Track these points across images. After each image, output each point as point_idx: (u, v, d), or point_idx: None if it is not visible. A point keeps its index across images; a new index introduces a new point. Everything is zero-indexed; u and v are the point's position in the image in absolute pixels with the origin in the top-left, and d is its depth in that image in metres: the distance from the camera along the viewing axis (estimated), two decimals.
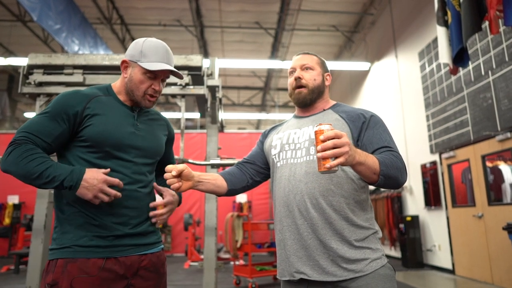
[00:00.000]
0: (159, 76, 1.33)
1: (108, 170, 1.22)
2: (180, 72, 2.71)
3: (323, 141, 1.03)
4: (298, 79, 1.41)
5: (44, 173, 1.13)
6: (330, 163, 1.02)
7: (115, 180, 1.20)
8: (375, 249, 1.25)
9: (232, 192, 1.45)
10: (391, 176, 1.18)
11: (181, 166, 1.24)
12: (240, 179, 1.47)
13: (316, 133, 1.07)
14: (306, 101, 1.41)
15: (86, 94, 1.28)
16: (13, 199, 9.45)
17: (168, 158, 1.54)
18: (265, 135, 1.56)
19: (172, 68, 1.33)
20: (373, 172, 1.15)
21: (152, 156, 1.37)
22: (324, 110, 1.42)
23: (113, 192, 1.19)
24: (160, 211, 1.33)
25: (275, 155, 1.41)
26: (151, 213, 1.32)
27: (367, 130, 1.30)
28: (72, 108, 1.22)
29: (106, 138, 1.23)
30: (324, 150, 1.02)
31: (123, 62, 1.33)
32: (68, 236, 1.19)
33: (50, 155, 1.24)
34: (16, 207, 9.38)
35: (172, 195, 1.36)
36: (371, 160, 1.14)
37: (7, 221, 9.21)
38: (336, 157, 1.02)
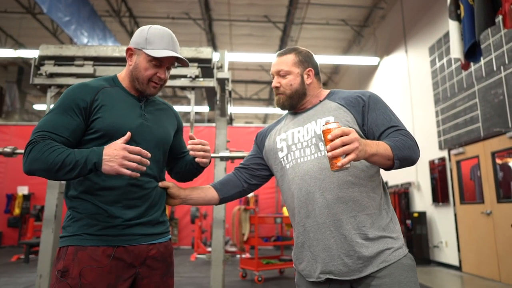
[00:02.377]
0: (164, 63, 1.31)
1: (129, 134, 1.19)
2: (190, 64, 2.74)
3: (331, 140, 1.03)
4: (275, 88, 1.40)
5: (66, 160, 1.11)
6: (341, 161, 1.02)
7: (135, 148, 1.14)
8: (396, 238, 1.25)
9: (225, 199, 1.48)
10: (406, 157, 1.19)
11: (167, 183, 1.35)
12: (233, 186, 1.48)
13: (323, 132, 1.07)
14: (286, 107, 1.41)
15: (94, 86, 1.28)
16: (23, 190, 9.58)
17: (180, 147, 1.53)
18: (262, 136, 1.52)
19: (178, 55, 1.32)
20: (387, 159, 1.15)
21: (161, 146, 1.37)
22: (320, 101, 1.39)
23: (137, 157, 1.13)
24: (197, 143, 1.37)
25: (282, 158, 1.38)
26: (190, 142, 1.37)
27: (370, 112, 1.28)
28: (82, 101, 1.22)
29: (115, 130, 1.23)
30: (333, 149, 1.02)
31: (128, 49, 1.32)
32: (78, 224, 1.20)
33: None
34: (26, 197, 9.52)
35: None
36: (383, 148, 1.13)
37: (17, 211, 9.36)
38: (346, 154, 1.02)
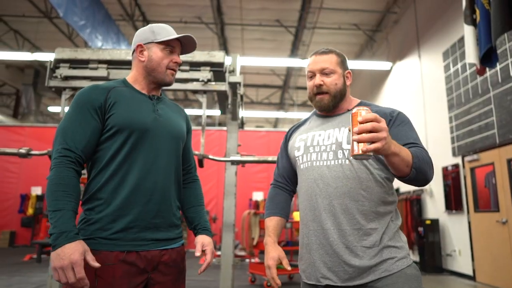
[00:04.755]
0: (176, 48, 1.39)
1: (97, 265, 1.11)
2: (202, 68, 2.76)
3: (361, 122, 0.97)
4: (319, 86, 1.35)
5: (52, 214, 1.12)
6: (366, 146, 0.96)
7: (81, 275, 1.07)
8: (400, 247, 1.24)
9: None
10: (422, 170, 1.15)
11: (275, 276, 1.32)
12: (289, 204, 1.51)
13: (353, 115, 1.01)
14: (329, 108, 1.37)
15: (105, 87, 1.30)
16: (36, 190, 9.73)
17: (188, 151, 1.53)
18: (288, 137, 1.52)
19: (189, 34, 1.39)
20: (406, 165, 1.11)
21: (176, 140, 1.37)
22: (349, 110, 1.38)
23: (72, 279, 1.06)
24: (204, 268, 1.39)
25: (298, 157, 1.38)
26: (201, 271, 1.38)
27: (393, 127, 1.27)
28: (96, 101, 1.24)
29: (129, 124, 1.25)
30: (361, 132, 0.96)
31: (138, 46, 1.36)
32: (92, 228, 1.20)
33: (90, 153, 1.25)
34: (39, 198, 9.66)
35: (211, 252, 1.44)
36: (405, 152, 1.10)
37: (30, 211, 9.51)
38: (372, 142, 0.96)
